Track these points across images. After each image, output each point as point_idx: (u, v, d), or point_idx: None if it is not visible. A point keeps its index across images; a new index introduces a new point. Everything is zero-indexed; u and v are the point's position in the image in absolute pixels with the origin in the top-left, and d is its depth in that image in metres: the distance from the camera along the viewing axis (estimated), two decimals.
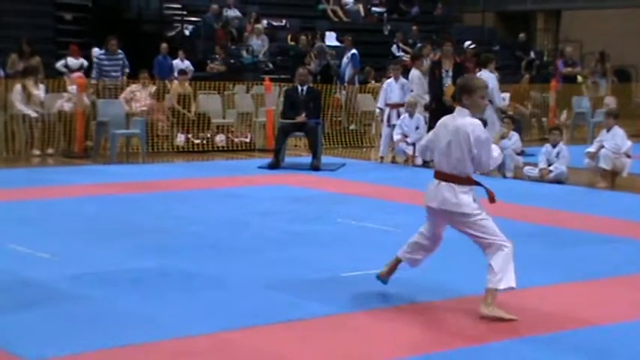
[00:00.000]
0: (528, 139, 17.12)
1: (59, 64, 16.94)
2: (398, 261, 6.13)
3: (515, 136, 13.15)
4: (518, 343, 5.17)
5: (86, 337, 5.02)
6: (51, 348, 4.80)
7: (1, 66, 15.32)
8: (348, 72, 19.60)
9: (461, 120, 5.68)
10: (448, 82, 13.63)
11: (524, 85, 20.07)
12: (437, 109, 13.57)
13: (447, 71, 13.70)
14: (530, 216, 9.54)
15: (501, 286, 5.57)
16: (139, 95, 15.16)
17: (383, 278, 6.15)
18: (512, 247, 5.68)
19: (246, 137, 15.91)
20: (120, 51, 15.72)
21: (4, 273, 6.45)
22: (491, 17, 28.64)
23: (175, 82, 16.14)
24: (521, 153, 13.51)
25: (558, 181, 12.18)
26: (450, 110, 14.89)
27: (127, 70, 15.75)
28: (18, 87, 14.10)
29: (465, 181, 5.72)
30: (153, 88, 15.42)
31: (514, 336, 5.29)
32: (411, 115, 14.04)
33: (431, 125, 13.29)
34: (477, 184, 5.78)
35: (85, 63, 16.76)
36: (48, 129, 14.22)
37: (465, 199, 5.69)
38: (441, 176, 5.75)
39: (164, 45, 18.52)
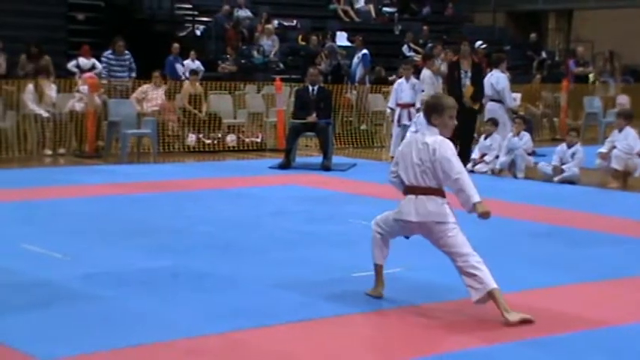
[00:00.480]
0: (539, 140, 17.10)
1: (71, 65, 16.97)
2: (380, 267, 6.10)
3: (526, 137, 13.12)
4: (529, 344, 5.16)
5: (98, 337, 5.03)
6: (63, 347, 4.82)
7: (13, 66, 15.36)
8: (358, 72, 19.59)
9: (430, 137, 5.71)
10: (467, 82, 13.58)
11: (536, 85, 20.03)
12: (457, 111, 13.51)
13: (465, 72, 13.64)
14: (541, 216, 9.53)
15: (495, 285, 5.54)
16: (151, 95, 15.19)
17: (376, 295, 6.05)
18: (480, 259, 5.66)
19: (257, 137, 15.93)
20: (127, 52, 15.73)
21: (17, 273, 6.47)
22: (502, 17, 28.61)
23: (187, 82, 16.18)
24: (532, 153, 13.48)
25: (570, 181, 12.15)
26: (469, 111, 14.81)
27: (133, 74, 15.73)
28: (30, 87, 14.14)
29: (443, 193, 5.75)
30: (164, 88, 15.43)
31: (525, 337, 5.28)
32: None
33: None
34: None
35: (97, 64, 16.78)
36: (59, 129, 14.27)
37: (447, 209, 5.72)
38: (417, 191, 5.75)
39: (175, 45, 18.53)
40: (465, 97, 13.24)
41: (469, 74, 13.60)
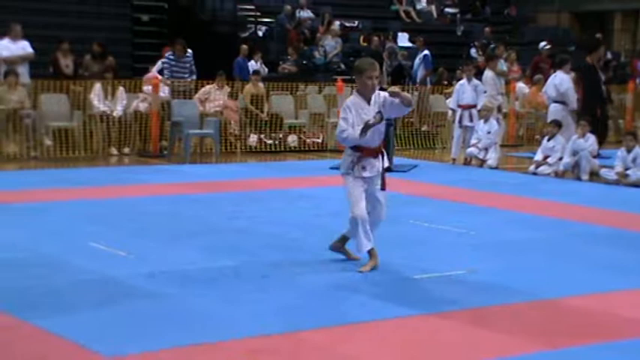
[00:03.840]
0: (605, 141, 16.82)
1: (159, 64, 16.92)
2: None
3: (591, 138, 12.94)
4: (594, 349, 5.09)
5: (162, 335, 5.10)
6: (128, 345, 4.89)
7: (78, 67, 15.62)
8: (420, 73, 19.52)
9: None
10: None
11: None
12: (603, 115, 13.36)
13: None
14: (605, 219, 9.39)
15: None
16: (214, 96, 15.32)
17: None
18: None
19: (318, 138, 15.97)
20: (188, 55, 15.80)
21: (83, 270, 6.59)
22: (566, 17, 28.24)
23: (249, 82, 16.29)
24: (597, 155, 13.29)
25: (636, 185, 11.95)
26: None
27: (194, 77, 15.80)
28: (97, 86, 14.38)
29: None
30: (228, 90, 15.52)
31: (590, 341, 5.21)
32: (486, 120, 13.98)
33: (599, 132, 13.08)
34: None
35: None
36: (124, 129, 14.48)
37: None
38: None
39: (244, 47, 18.66)
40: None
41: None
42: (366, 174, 6.80)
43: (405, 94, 6.73)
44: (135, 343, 4.92)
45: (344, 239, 7.10)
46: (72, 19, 18.60)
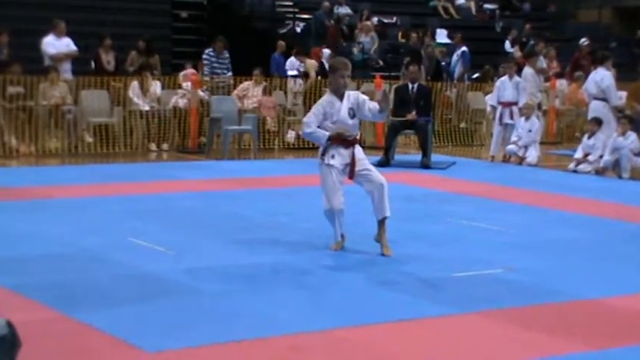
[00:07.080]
0: None
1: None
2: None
3: (632, 136, 12.79)
4: (636, 350, 5.04)
5: (201, 331, 5.13)
6: (168, 340, 4.92)
7: (120, 63, 15.74)
8: (458, 69, 19.41)
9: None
10: None
11: None
12: None
13: None
14: None
15: None
16: (251, 92, 15.36)
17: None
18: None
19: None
20: (226, 51, 15.93)
21: (123, 266, 6.65)
22: (607, 13, 27.89)
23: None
24: (639, 154, 13.13)
25: None
26: None
27: (229, 74, 15.89)
28: (135, 83, 14.49)
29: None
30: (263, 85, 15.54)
31: (632, 342, 5.16)
32: (527, 118, 13.88)
33: None
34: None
35: None
36: (163, 125, 14.57)
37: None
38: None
39: (281, 43, 18.69)
40: None
41: None
42: (333, 162, 7.21)
43: (387, 101, 7.35)
44: (174, 339, 4.95)
45: (381, 224, 7.27)
46: (112, 15, 18.71)
